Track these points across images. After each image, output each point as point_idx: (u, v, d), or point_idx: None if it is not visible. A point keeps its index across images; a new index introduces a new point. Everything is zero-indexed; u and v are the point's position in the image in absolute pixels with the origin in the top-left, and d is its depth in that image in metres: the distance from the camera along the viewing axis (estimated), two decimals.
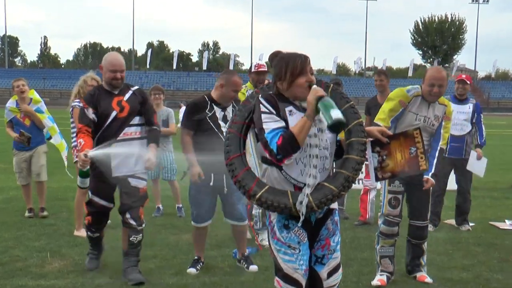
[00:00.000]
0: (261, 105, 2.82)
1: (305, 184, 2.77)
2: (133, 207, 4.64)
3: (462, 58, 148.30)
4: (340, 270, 3.07)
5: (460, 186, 7.07)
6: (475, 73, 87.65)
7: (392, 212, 4.66)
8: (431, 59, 79.25)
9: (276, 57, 2.91)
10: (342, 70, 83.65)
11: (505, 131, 21.94)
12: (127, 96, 4.70)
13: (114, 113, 4.61)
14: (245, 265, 5.03)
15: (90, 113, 4.58)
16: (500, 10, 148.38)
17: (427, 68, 4.56)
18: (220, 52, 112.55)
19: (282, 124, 2.77)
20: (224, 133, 3.87)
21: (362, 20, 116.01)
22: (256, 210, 5.87)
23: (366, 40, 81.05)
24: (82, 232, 5.85)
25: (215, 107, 4.76)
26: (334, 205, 3.01)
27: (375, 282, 4.65)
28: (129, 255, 4.71)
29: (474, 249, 5.81)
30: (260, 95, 2.90)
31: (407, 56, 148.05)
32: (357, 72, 75.42)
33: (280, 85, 2.85)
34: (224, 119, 4.73)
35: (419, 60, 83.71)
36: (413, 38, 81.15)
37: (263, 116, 2.80)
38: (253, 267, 4.99)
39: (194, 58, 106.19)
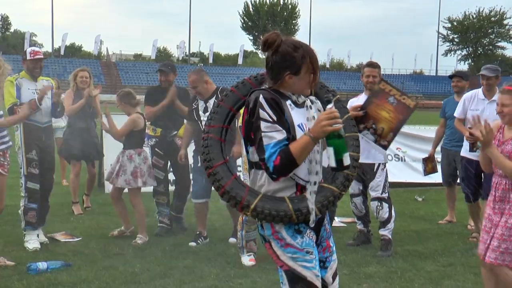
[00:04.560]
0: (261, 110, 2.78)
1: (309, 182, 2.84)
2: None
3: None
4: None
5: None
6: None
7: None
8: None
9: (294, 46, 2.85)
10: (163, 55, 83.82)
11: None
12: None
13: None
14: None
15: None
16: None
17: None
18: (12, 30, 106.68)
19: (284, 135, 2.77)
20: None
21: None
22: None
23: (190, 22, 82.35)
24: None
25: (198, 99, 6.40)
26: None
27: (248, 262, 5.63)
28: None
29: None
30: (261, 96, 2.82)
31: (237, 41, 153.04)
32: (180, 58, 75.98)
33: (290, 78, 2.83)
34: (205, 110, 6.23)
35: (249, 47, 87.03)
36: (242, 21, 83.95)
37: (263, 125, 2.77)
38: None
39: None
